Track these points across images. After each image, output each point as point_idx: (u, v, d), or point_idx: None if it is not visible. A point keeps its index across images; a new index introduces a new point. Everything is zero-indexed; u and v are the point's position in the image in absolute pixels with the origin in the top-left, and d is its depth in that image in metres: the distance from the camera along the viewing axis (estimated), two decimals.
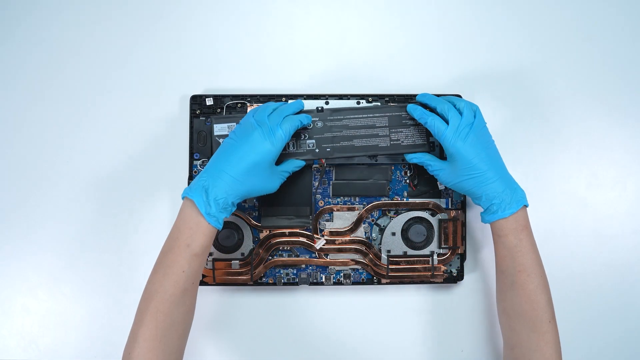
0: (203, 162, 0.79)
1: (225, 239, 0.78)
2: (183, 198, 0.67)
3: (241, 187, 0.67)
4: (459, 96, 0.79)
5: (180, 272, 0.65)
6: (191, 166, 0.79)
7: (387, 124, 0.75)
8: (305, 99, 0.79)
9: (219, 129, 0.77)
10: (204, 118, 0.79)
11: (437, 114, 0.72)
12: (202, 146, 0.79)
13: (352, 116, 0.75)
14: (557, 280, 0.82)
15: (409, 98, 0.79)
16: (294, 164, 0.73)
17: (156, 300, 0.64)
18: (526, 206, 0.70)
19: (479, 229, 0.82)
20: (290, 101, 0.77)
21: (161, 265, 0.66)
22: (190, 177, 0.79)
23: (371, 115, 0.75)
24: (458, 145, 0.69)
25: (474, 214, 0.82)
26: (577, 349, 0.82)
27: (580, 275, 0.83)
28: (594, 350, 0.82)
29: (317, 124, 0.74)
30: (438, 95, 0.75)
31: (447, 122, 0.70)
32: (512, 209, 0.69)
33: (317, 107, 0.76)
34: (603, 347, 0.82)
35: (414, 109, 0.73)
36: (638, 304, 0.83)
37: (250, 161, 0.67)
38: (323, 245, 0.78)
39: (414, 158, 0.74)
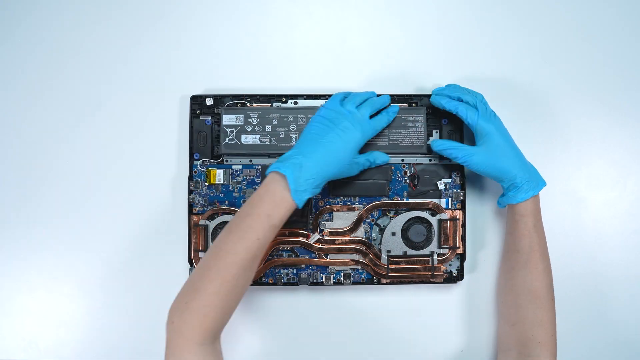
0: (203, 161, 0.79)
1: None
2: (272, 170, 0.68)
3: (329, 170, 0.69)
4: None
5: (255, 239, 0.66)
6: (191, 166, 0.79)
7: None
8: (305, 99, 0.79)
9: (228, 119, 0.78)
10: (204, 118, 0.79)
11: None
12: (202, 146, 0.79)
13: None
14: (557, 280, 0.81)
15: (409, 98, 0.79)
16: (380, 158, 0.76)
17: (227, 260, 0.65)
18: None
19: (478, 229, 0.82)
20: (379, 95, 0.78)
21: (238, 228, 0.66)
22: (191, 177, 0.79)
23: None
24: (495, 124, 0.74)
25: (473, 214, 0.82)
26: (577, 348, 0.82)
27: (581, 275, 0.83)
28: (594, 350, 0.82)
29: None
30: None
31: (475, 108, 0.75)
32: (536, 190, 0.74)
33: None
34: (603, 347, 0.82)
35: (442, 100, 0.76)
36: (638, 304, 0.83)
37: (342, 148, 0.70)
38: (321, 245, 0.78)
39: (441, 145, 0.76)
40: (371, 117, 0.74)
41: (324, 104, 0.75)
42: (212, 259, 0.66)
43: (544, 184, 0.74)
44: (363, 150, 0.76)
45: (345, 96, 0.75)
